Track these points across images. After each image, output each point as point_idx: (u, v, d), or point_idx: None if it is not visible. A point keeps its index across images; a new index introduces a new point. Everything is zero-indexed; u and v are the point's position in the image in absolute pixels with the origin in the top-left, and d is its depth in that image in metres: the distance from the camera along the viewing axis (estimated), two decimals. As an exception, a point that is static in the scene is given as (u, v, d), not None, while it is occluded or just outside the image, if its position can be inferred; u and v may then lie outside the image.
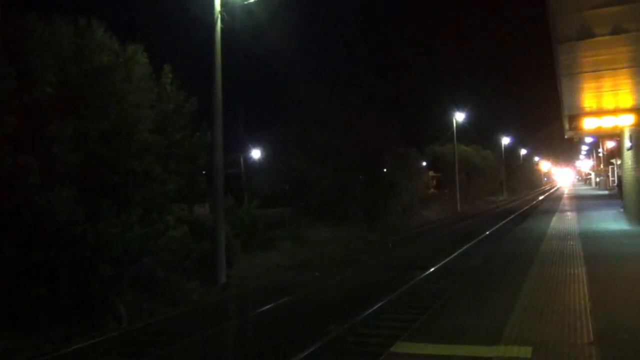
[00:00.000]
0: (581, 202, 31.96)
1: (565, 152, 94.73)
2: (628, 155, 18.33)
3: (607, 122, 14.29)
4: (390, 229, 23.94)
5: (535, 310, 6.28)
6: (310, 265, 15.11)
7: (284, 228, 20.24)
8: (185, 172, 13.25)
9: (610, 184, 42.58)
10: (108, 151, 11.04)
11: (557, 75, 10.68)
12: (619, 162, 27.39)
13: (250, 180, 27.85)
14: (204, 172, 15.19)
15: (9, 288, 8.85)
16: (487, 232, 21.48)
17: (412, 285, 11.07)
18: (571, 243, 12.45)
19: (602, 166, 48.22)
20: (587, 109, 14.34)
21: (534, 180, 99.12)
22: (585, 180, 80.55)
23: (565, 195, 44.72)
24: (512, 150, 72.08)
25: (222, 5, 12.65)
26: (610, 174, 43.91)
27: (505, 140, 64.56)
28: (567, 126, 15.73)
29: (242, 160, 38.26)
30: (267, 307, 10.00)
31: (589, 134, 23.66)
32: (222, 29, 12.68)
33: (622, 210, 20.91)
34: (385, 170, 29.95)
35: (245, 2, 12.96)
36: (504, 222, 25.96)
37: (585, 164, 71.19)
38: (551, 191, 73.43)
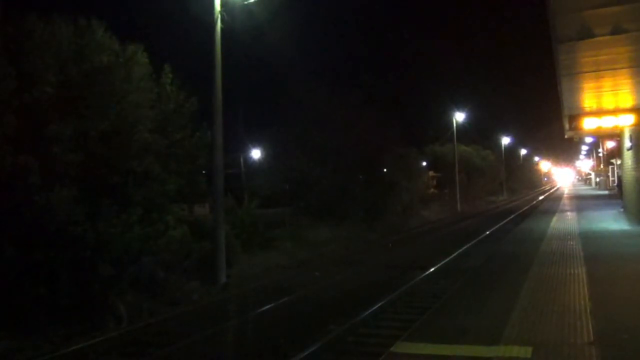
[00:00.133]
0: (581, 202, 31.96)
1: (565, 152, 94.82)
2: (628, 155, 18.33)
3: (607, 122, 14.29)
4: (390, 229, 23.94)
5: (536, 310, 6.28)
6: (310, 265, 15.11)
7: (284, 228, 20.23)
8: (185, 172, 13.25)
9: (610, 184, 42.58)
10: (108, 151, 11.04)
11: (557, 75, 10.68)
12: (619, 162, 27.39)
13: (250, 180, 27.86)
14: (204, 172, 15.19)
15: (9, 288, 8.85)
16: (487, 232, 21.48)
17: (412, 285, 11.07)
18: (571, 243, 12.45)
19: (602, 166, 48.22)
20: (587, 109, 14.34)
21: (534, 180, 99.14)
22: (585, 180, 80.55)
23: (565, 195, 44.72)
24: (512, 150, 72.10)
25: (222, 5, 12.65)
26: (610, 174, 43.91)
27: (505, 140, 64.62)
28: (567, 126, 15.73)
29: (242, 160, 38.27)
30: (267, 307, 10.00)
31: (589, 134, 23.66)
32: (222, 29, 12.68)
33: (622, 210, 20.91)
34: (385, 170, 29.95)
35: (245, 2, 12.96)
36: (504, 222, 25.96)
37: (585, 164, 71.21)
38: (551, 191, 73.44)
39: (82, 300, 9.35)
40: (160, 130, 12.53)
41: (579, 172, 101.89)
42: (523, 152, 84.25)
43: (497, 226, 23.90)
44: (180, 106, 13.36)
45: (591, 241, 12.55)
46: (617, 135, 22.24)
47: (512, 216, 29.61)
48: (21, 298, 8.87)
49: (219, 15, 12.60)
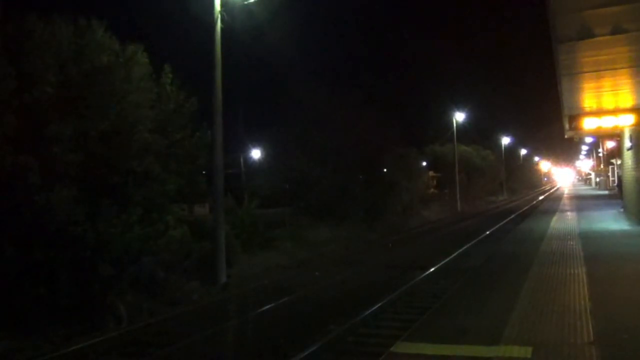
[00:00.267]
0: (581, 202, 31.96)
1: (565, 152, 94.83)
2: (628, 155, 18.33)
3: (607, 122, 14.28)
4: (390, 229, 23.94)
5: (536, 310, 6.28)
6: (310, 265, 15.11)
7: (284, 228, 20.23)
8: (185, 172, 13.25)
9: (610, 184, 42.59)
10: (108, 151, 11.04)
11: (557, 75, 10.68)
12: (619, 162, 27.39)
13: (250, 180, 27.86)
14: (204, 172, 15.19)
15: (9, 288, 8.85)
16: (487, 232, 21.48)
17: (412, 285, 11.07)
18: (571, 243, 12.44)
19: (602, 166, 48.23)
20: (587, 109, 14.33)
21: (534, 180, 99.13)
22: (585, 180, 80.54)
23: (565, 195, 44.72)
24: (512, 150, 72.11)
25: (222, 5, 12.65)
26: (610, 174, 43.92)
27: (505, 140, 64.62)
28: (567, 126, 15.73)
29: (242, 160, 38.27)
30: (267, 307, 10.00)
31: (589, 134, 23.65)
32: (222, 29, 12.68)
33: (622, 210, 20.91)
34: (385, 170, 29.95)
35: (245, 2, 12.96)
36: (504, 222, 25.96)
37: (585, 164, 71.21)
38: (551, 191, 73.43)
39: (82, 300, 9.35)
40: (160, 130, 12.52)
41: (579, 172, 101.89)
42: (523, 152, 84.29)
43: (497, 226, 23.90)
44: (180, 106, 13.36)
45: (591, 241, 12.55)
46: (617, 135, 22.25)
47: (512, 216, 29.61)
48: (21, 298, 8.87)
49: (219, 15, 12.60)
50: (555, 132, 40.16)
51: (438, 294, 10.19)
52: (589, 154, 59.56)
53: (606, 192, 41.37)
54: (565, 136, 19.19)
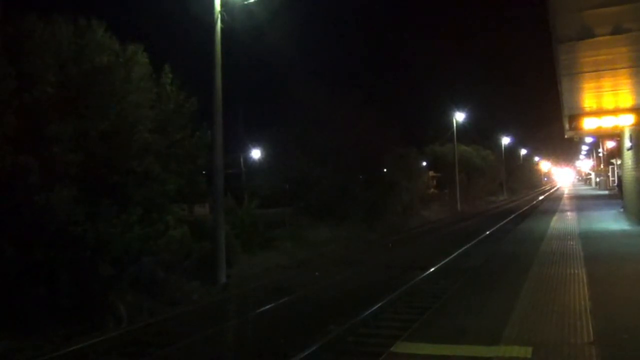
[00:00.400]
0: (581, 202, 31.96)
1: (565, 152, 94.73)
2: (628, 155, 18.32)
3: (607, 122, 14.28)
4: (390, 229, 23.94)
5: (536, 310, 6.28)
6: (310, 265, 15.11)
7: (284, 228, 20.24)
8: (185, 172, 13.25)
9: (610, 184, 42.59)
10: (108, 151, 11.04)
11: (557, 75, 10.68)
12: (619, 162, 27.39)
13: (250, 180, 27.85)
14: (204, 172, 15.19)
15: (9, 288, 8.85)
16: (487, 232, 21.48)
17: (412, 285, 11.07)
18: (571, 243, 12.44)
19: (602, 166, 48.24)
20: (587, 109, 14.33)
21: (534, 180, 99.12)
22: (586, 180, 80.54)
23: (565, 196, 44.71)
24: (512, 150, 72.10)
25: (222, 5, 12.65)
26: (610, 174, 43.92)
27: (505, 140, 64.61)
28: (567, 126, 15.73)
29: (242, 160, 38.22)
30: (267, 307, 10.00)
31: (589, 134, 23.65)
32: (222, 29, 12.68)
33: (622, 210, 20.91)
34: (385, 170, 29.95)
35: (245, 2, 12.96)
36: (504, 222, 25.96)
37: (585, 164, 71.20)
38: (551, 191, 73.44)
39: (82, 300, 9.35)
40: (160, 130, 12.52)
41: (579, 172, 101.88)
42: (523, 152, 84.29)
43: (497, 226, 23.90)
44: (180, 106, 13.36)
45: (591, 241, 12.54)
46: (617, 135, 22.25)
47: (512, 216, 29.61)
48: (21, 298, 8.87)
49: (219, 15, 12.60)
50: (555, 132, 40.17)
51: (438, 294, 10.19)
52: (589, 154, 59.56)
53: (606, 192, 41.36)
54: (565, 136, 19.20)
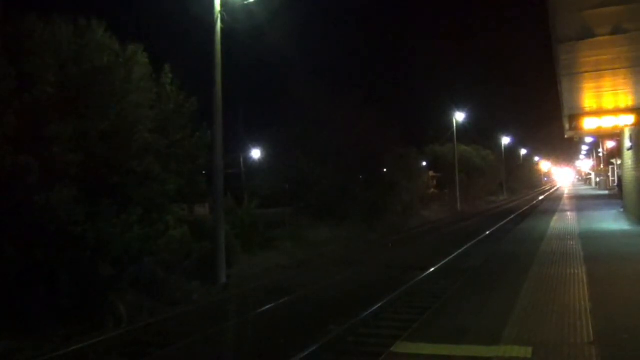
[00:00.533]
0: (581, 202, 31.96)
1: (565, 152, 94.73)
2: (628, 155, 18.32)
3: (607, 122, 14.29)
4: (390, 229, 23.94)
5: (536, 310, 6.28)
6: (310, 265, 15.11)
7: (284, 228, 20.24)
8: (185, 172, 13.24)
9: (611, 184, 42.58)
10: (108, 151, 11.04)
11: (557, 75, 10.68)
12: (619, 162, 27.39)
13: (250, 180, 27.85)
14: (204, 172, 15.19)
15: (9, 288, 8.85)
16: (487, 232, 21.48)
17: (412, 285, 11.07)
18: (571, 243, 12.44)
19: (602, 166, 48.22)
20: (587, 109, 14.34)
21: (534, 180, 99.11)
22: (586, 180, 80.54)
23: (565, 195, 44.72)
24: (512, 150, 72.08)
25: (222, 5, 12.65)
26: (610, 174, 43.91)
27: (505, 140, 64.58)
28: (567, 126, 15.74)
29: (242, 160, 38.22)
30: (267, 307, 10.00)
31: (589, 134, 23.68)
32: (222, 29, 12.68)
33: (622, 210, 20.91)
34: (385, 170, 29.96)
35: (245, 2, 12.96)
36: (504, 222, 25.96)
37: (585, 164, 71.18)
38: (551, 191, 73.43)
39: (82, 300, 9.35)
40: (160, 130, 12.52)
41: (579, 172, 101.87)
42: (523, 152, 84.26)
43: (497, 226, 23.90)
44: (180, 106, 13.35)
45: (591, 241, 12.54)
46: (617, 135, 22.25)
47: (512, 216, 29.61)
48: (21, 298, 8.87)
49: (219, 15, 12.60)
50: (555, 132, 40.15)
51: (438, 294, 10.19)
52: (589, 154, 59.54)
53: (606, 192, 41.35)
54: (565, 136, 19.22)
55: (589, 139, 36.53)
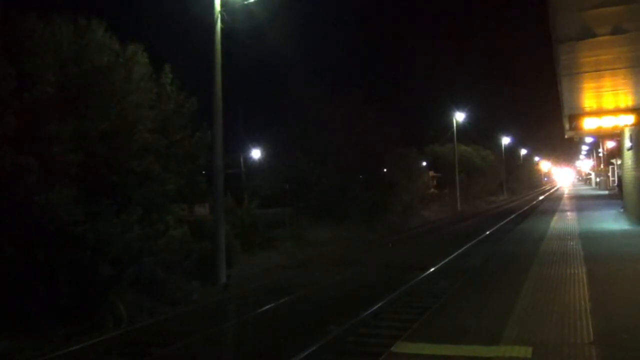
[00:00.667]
0: (581, 202, 31.95)
1: (565, 152, 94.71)
2: (628, 155, 18.32)
3: (607, 122, 14.28)
4: (390, 229, 23.94)
5: (536, 310, 6.28)
6: (310, 265, 15.10)
7: (284, 228, 20.24)
8: (185, 172, 13.25)
9: (611, 184, 42.58)
10: (108, 151, 11.04)
11: (557, 75, 10.68)
12: (619, 162, 27.39)
13: (250, 180, 27.86)
14: (204, 172, 15.19)
15: (9, 288, 8.85)
16: (487, 232, 21.48)
17: (412, 285, 11.07)
18: (571, 243, 12.44)
19: (602, 166, 48.21)
20: (587, 109, 14.33)
21: (534, 180, 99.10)
22: (586, 180, 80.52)
23: (565, 196, 44.71)
24: (512, 150, 72.08)
25: (222, 5, 12.65)
26: (610, 174, 43.91)
27: (505, 140, 64.59)
28: (567, 126, 15.74)
29: (242, 160, 38.21)
30: (267, 307, 10.00)
31: (589, 134, 23.67)
32: (222, 29, 12.68)
33: (622, 210, 20.90)
34: (385, 170, 29.97)
35: (245, 2, 12.96)
36: (504, 222, 25.96)
37: (585, 164, 71.17)
38: (551, 191, 73.43)
39: (82, 300, 9.35)
40: (160, 130, 12.52)
41: (579, 172, 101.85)
42: (523, 152, 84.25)
43: (497, 226, 23.90)
44: (180, 106, 13.36)
45: (591, 241, 12.54)
46: (617, 135, 22.25)
47: (512, 216, 29.61)
48: (21, 298, 8.87)
49: (219, 15, 12.60)
50: (555, 132, 40.20)
51: (438, 294, 10.19)
52: (589, 154, 59.52)
53: (606, 192, 41.34)
54: (565, 136, 19.22)
55: (589, 139, 36.52)
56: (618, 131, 18.38)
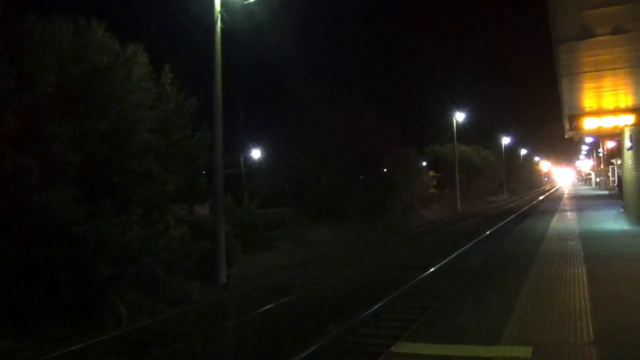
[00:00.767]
0: (581, 202, 31.95)
1: (565, 152, 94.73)
2: (628, 155, 18.32)
3: (607, 122, 14.29)
4: (390, 229, 23.94)
5: (536, 310, 6.28)
6: (310, 265, 15.10)
7: (284, 228, 20.24)
8: (185, 172, 13.25)
9: (611, 184, 42.58)
10: (108, 151, 11.04)
11: (557, 75, 10.68)
12: (619, 162, 27.39)
13: (250, 180, 27.85)
14: (204, 172, 15.19)
15: (9, 288, 8.85)
16: (488, 232, 21.48)
17: (412, 285, 11.06)
18: (571, 243, 12.44)
19: (602, 166, 48.22)
20: (587, 109, 14.34)
21: (534, 180, 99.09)
22: (586, 180, 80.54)
23: (565, 196, 44.71)
24: (512, 150, 72.06)
25: (222, 5, 12.65)
26: (610, 174, 43.91)
27: (505, 140, 64.56)
28: (567, 126, 15.74)
29: (242, 160, 38.19)
30: (267, 307, 10.00)
31: (589, 134, 23.67)
32: (222, 29, 12.68)
33: (622, 210, 20.90)
34: (385, 170, 29.96)
35: (245, 2, 12.96)
36: (504, 222, 25.96)
37: (585, 164, 71.17)
38: (551, 191, 73.43)
39: (82, 300, 9.35)
40: (160, 130, 12.52)
41: (579, 172, 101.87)
42: (523, 152, 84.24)
43: (497, 226, 23.90)
44: (180, 106, 13.36)
45: (591, 241, 12.54)
46: (617, 135, 22.25)
47: (512, 216, 29.61)
48: (21, 298, 8.87)
49: (219, 15, 12.59)
50: (555, 132, 40.21)
51: (438, 294, 10.19)
52: (589, 154, 59.52)
53: (606, 192, 41.34)
54: (565, 136, 19.22)
55: (589, 139, 36.53)
56: (618, 131, 18.38)
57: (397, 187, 28.55)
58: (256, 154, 40.18)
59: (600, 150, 44.02)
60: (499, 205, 46.40)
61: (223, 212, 12.93)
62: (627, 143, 17.92)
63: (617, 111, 14.04)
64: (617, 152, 27.04)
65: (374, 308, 9.02)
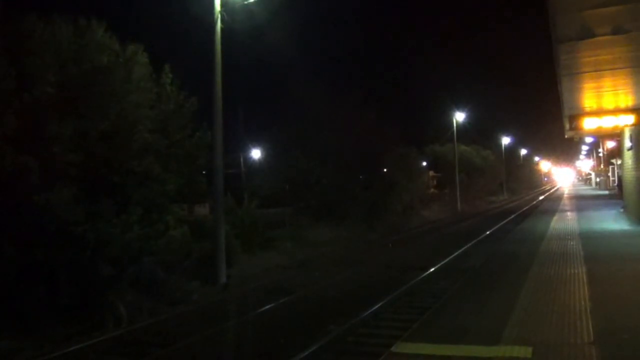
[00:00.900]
0: (581, 202, 31.95)
1: (565, 152, 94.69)
2: (628, 155, 18.32)
3: (607, 122, 14.29)
4: (390, 229, 23.94)
5: (536, 310, 6.28)
6: (310, 265, 15.10)
7: (284, 228, 20.25)
8: (185, 172, 13.25)
9: (611, 184, 42.58)
10: (108, 151, 11.05)
11: (557, 75, 10.68)
12: (619, 162, 27.39)
13: (250, 180, 27.86)
14: (204, 172, 15.19)
15: (9, 288, 8.85)
16: (488, 232, 21.47)
17: (412, 285, 11.06)
18: (571, 243, 12.44)
19: (602, 166, 48.22)
20: (587, 109, 14.33)
21: (534, 180, 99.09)
22: (586, 180, 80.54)
23: (565, 196, 44.71)
24: (512, 150, 72.05)
25: (222, 5, 12.65)
26: (610, 174, 43.91)
27: (505, 140, 64.55)
28: (567, 126, 15.74)
29: (242, 160, 38.22)
30: (267, 307, 10.00)
31: (589, 134, 23.66)
32: (222, 29, 12.68)
33: (622, 210, 20.90)
34: (385, 170, 29.96)
35: (245, 2, 12.96)
36: (504, 222, 25.96)
37: (585, 164, 71.18)
38: (551, 191, 73.44)
39: (82, 300, 9.35)
40: (160, 130, 12.53)
41: (579, 172, 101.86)
42: (523, 152, 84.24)
43: (497, 226, 23.89)
44: (180, 106, 13.36)
45: (591, 241, 12.54)
46: (617, 135, 22.25)
47: (512, 216, 29.61)
48: (21, 298, 8.87)
49: (219, 15, 12.59)
50: (555, 132, 40.21)
51: (438, 294, 10.18)
52: (589, 154, 59.52)
53: (606, 192, 41.34)
54: (566, 136, 19.21)
55: (589, 139, 36.49)
56: (618, 131, 18.38)
57: (397, 187, 28.54)
58: (256, 154, 40.19)
59: (600, 150, 44.02)
60: (499, 205, 46.39)
61: (223, 212, 12.93)
62: (627, 143, 17.92)
63: (617, 111, 14.04)
64: (617, 152, 27.04)
65: (374, 308, 9.02)
